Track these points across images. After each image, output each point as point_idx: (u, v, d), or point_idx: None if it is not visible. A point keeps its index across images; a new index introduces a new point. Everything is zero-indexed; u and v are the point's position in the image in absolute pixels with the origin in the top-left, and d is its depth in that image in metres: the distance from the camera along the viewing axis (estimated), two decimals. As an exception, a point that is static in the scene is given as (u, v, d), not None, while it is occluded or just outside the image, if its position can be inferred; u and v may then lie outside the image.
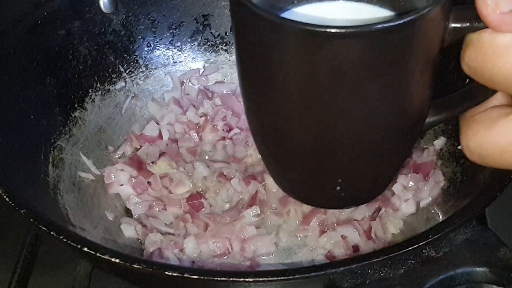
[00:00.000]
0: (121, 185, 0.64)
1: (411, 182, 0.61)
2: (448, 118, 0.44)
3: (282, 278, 0.44)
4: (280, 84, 0.39)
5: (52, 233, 0.47)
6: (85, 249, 0.46)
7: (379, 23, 0.36)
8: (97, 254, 0.45)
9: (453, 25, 0.39)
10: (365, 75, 0.38)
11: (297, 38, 0.37)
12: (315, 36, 0.36)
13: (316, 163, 0.43)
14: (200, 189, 0.64)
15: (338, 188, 0.44)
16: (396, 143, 0.43)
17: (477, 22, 0.38)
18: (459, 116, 0.42)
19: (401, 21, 0.36)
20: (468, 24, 0.39)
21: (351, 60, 0.37)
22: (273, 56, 0.38)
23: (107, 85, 0.69)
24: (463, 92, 0.43)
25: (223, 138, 0.68)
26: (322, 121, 0.40)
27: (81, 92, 0.67)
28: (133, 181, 0.64)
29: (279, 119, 0.42)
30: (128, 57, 0.71)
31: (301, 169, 0.45)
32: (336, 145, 0.42)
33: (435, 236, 0.45)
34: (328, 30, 0.35)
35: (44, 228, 0.47)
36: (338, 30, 0.35)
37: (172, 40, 0.72)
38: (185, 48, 0.73)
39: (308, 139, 0.42)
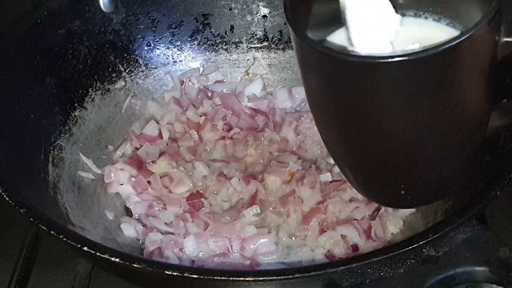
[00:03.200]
0: (121, 184, 0.64)
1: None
2: (509, 122, 0.45)
3: (282, 277, 0.44)
4: (339, 108, 0.42)
5: (52, 232, 0.47)
6: (85, 248, 0.46)
7: (420, 51, 0.36)
8: (97, 253, 0.45)
9: (505, 39, 0.39)
10: (413, 98, 0.39)
11: (345, 68, 0.39)
12: (359, 65, 0.38)
13: (379, 172, 0.45)
14: (200, 189, 0.64)
15: (403, 192, 0.45)
16: (456, 150, 0.43)
17: None
18: None
19: (442, 48, 0.36)
20: None
21: (396, 86, 0.38)
22: (330, 85, 0.41)
23: (107, 84, 0.69)
24: None
25: (223, 138, 0.68)
26: (376, 139, 0.42)
27: (81, 91, 0.67)
28: (133, 180, 0.64)
29: (342, 137, 0.45)
30: (128, 57, 0.71)
31: (368, 177, 0.47)
32: (393, 157, 0.43)
33: (435, 236, 0.45)
34: (369, 60, 0.38)
35: (44, 227, 0.47)
36: (378, 60, 0.37)
37: (172, 40, 0.72)
38: (185, 47, 0.73)
39: (367, 153, 0.44)
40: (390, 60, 0.37)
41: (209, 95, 0.72)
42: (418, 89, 0.38)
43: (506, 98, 0.45)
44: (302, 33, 0.40)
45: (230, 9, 0.73)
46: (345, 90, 0.40)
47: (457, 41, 0.36)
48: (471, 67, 0.39)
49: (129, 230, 0.61)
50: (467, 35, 0.37)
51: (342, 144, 0.45)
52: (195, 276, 0.44)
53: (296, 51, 0.42)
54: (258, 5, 0.73)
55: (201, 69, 0.74)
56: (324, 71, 0.40)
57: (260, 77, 0.74)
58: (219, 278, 0.44)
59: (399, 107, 0.40)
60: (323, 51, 0.39)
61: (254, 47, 0.74)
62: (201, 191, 0.64)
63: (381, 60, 0.37)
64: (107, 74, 0.70)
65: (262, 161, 0.66)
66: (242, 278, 0.44)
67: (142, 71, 0.72)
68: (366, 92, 0.39)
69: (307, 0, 0.44)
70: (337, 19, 0.44)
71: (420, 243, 0.44)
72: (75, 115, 0.66)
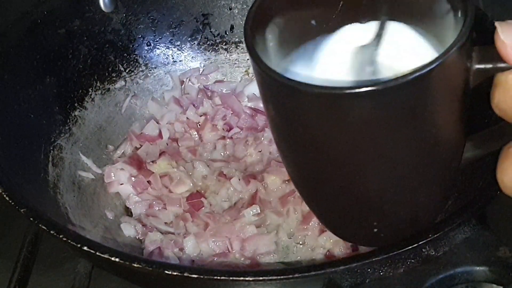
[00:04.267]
0: (121, 184, 0.64)
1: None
2: (487, 152, 0.43)
3: (281, 277, 0.44)
4: (303, 139, 0.40)
5: (52, 232, 0.47)
6: (85, 248, 0.46)
7: (388, 81, 0.35)
8: (97, 253, 0.45)
9: (477, 66, 0.37)
10: (382, 129, 0.37)
11: (309, 99, 0.37)
12: (325, 97, 0.36)
13: (350, 208, 0.44)
14: (200, 188, 0.64)
15: (375, 230, 0.44)
16: (430, 183, 0.42)
17: (501, 62, 0.36)
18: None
19: (412, 77, 0.35)
20: (491, 65, 0.37)
21: (364, 117, 0.36)
22: (293, 115, 0.39)
23: (107, 84, 0.69)
24: (501, 127, 0.41)
25: (223, 137, 0.68)
26: (345, 174, 0.40)
27: (81, 91, 0.67)
28: (133, 180, 0.64)
29: (308, 168, 0.43)
30: (128, 56, 0.71)
31: (338, 213, 0.45)
32: (365, 193, 0.42)
33: (435, 235, 0.45)
34: (335, 92, 0.35)
35: (44, 227, 0.47)
36: (345, 91, 0.35)
37: (172, 39, 0.73)
38: (185, 47, 0.73)
39: (337, 187, 0.42)
40: (355, 91, 0.35)
41: (209, 95, 0.72)
42: (387, 120, 0.36)
43: (479, 130, 0.43)
44: (263, 63, 0.38)
45: (230, 9, 0.73)
46: (310, 122, 0.38)
47: (427, 69, 0.35)
48: (443, 96, 0.37)
49: (129, 229, 0.61)
50: (437, 63, 0.35)
51: (308, 179, 0.44)
52: (195, 275, 0.44)
53: (257, 80, 0.40)
54: (258, 5, 0.73)
55: (201, 69, 0.74)
56: (288, 103, 0.38)
57: (260, 77, 0.74)
58: (219, 277, 0.44)
59: (367, 140, 0.38)
60: (285, 83, 0.36)
61: (254, 47, 0.74)
62: (201, 191, 0.64)
63: (347, 91, 0.35)
64: (107, 73, 0.70)
65: (262, 161, 0.66)
66: (242, 278, 0.44)
67: (142, 70, 0.72)
68: (332, 125, 0.37)
69: (269, 22, 0.42)
70: (300, 38, 0.43)
71: (420, 243, 0.44)
72: (75, 115, 0.66)
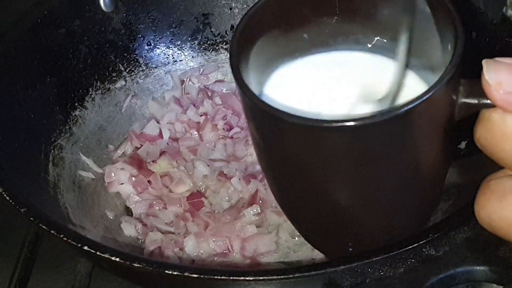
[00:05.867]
0: (122, 184, 0.64)
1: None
2: (470, 180, 0.43)
3: (282, 277, 0.44)
4: (281, 163, 0.40)
5: (52, 231, 0.47)
6: (85, 247, 0.46)
7: (369, 116, 0.34)
8: (97, 253, 0.45)
9: (463, 100, 0.36)
10: (361, 162, 0.37)
11: (289, 128, 0.36)
12: (305, 128, 0.35)
13: (326, 229, 0.44)
14: (200, 188, 0.64)
15: (351, 249, 0.44)
16: (407, 211, 0.42)
17: (486, 99, 0.35)
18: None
19: (394, 113, 0.34)
20: (477, 100, 0.36)
21: (343, 149, 0.36)
22: (272, 140, 0.39)
23: (107, 84, 0.69)
24: (483, 157, 0.40)
25: (224, 137, 0.68)
26: (322, 197, 0.40)
27: (81, 91, 0.67)
28: (134, 180, 0.64)
29: (285, 189, 0.43)
30: (128, 56, 0.71)
31: (315, 232, 0.46)
32: (341, 217, 0.42)
33: (435, 235, 0.45)
34: (315, 124, 0.35)
35: (44, 226, 0.47)
36: (322, 125, 0.35)
37: (172, 39, 0.72)
38: (185, 47, 0.73)
39: (314, 210, 0.42)
40: (334, 124, 0.34)
41: (210, 95, 0.72)
42: (366, 152, 0.36)
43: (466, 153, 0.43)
44: (246, 87, 0.37)
45: (231, 9, 0.73)
46: (287, 148, 0.38)
47: (411, 105, 0.34)
48: (426, 130, 0.36)
49: (130, 229, 0.61)
50: (422, 99, 0.34)
51: (286, 198, 0.44)
52: (196, 275, 0.44)
53: (240, 100, 0.39)
54: (259, 5, 0.73)
55: (202, 69, 0.74)
56: (269, 129, 0.38)
57: (260, 77, 0.74)
58: (219, 277, 0.44)
59: (345, 169, 0.37)
60: (267, 110, 0.36)
61: (254, 47, 0.74)
62: (201, 191, 0.64)
63: (325, 125, 0.35)
64: (107, 73, 0.70)
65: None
66: (242, 278, 0.44)
67: (143, 70, 0.72)
68: (310, 153, 0.37)
69: (255, 40, 0.41)
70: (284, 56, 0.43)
71: (420, 242, 0.44)
72: (75, 115, 0.66)
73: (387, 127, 0.35)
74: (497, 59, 0.35)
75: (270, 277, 0.44)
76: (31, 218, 0.48)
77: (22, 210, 0.48)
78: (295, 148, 0.38)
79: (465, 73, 0.37)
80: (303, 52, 0.44)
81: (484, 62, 0.35)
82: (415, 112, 0.34)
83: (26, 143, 0.59)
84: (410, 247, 0.44)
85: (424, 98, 0.34)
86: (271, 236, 0.59)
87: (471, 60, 0.55)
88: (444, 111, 0.36)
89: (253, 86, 0.40)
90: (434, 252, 0.46)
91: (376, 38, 0.43)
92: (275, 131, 0.37)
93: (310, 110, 0.40)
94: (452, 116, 0.37)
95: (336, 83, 0.42)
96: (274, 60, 0.44)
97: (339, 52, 0.44)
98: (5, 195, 0.49)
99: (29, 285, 0.59)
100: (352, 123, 0.34)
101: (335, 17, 0.43)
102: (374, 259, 0.44)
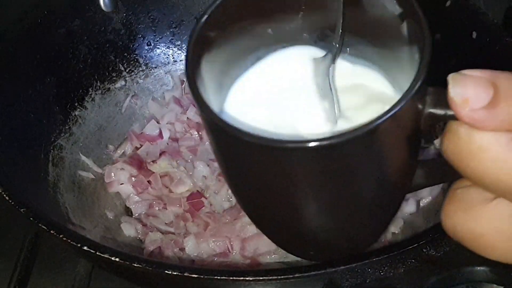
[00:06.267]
0: (121, 184, 0.64)
1: (411, 181, 0.61)
2: (437, 183, 0.42)
3: (282, 277, 0.44)
4: (241, 179, 0.40)
5: (52, 232, 0.47)
6: (85, 248, 0.46)
7: (329, 137, 0.33)
8: (97, 253, 0.45)
9: (430, 110, 0.35)
10: (325, 180, 0.36)
11: (247, 147, 0.35)
12: (263, 148, 0.34)
13: (287, 240, 0.44)
14: (200, 188, 0.64)
15: (312, 253, 0.44)
16: (372, 219, 0.41)
17: (452, 111, 0.33)
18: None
19: (355, 134, 0.33)
20: (443, 112, 0.34)
21: (303, 169, 0.35)
22: (232, 157, 0.38)
23: (107, 84, 0.69)
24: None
25: (223, 137, 0.68)
26: (283, 210, 0.40)
27: (81, 91, 0.67)
28: (133, 180, 0.64)
29: (245, 201, 0.43)
30: (128, 56, 0.71)
31: (279, 240, 0.45)
32: (302, 230, 0.41)
33: (435, 235, 0.45)
34: (274, 145, 0.34)
35: (44, 227, 0.47)
36: (283, 145, 0.33)
37: (172, 39, 0.72)
38: (185, 46, 0.73)
39: (276, 222, 0.42)
40: (296, 145, 0.33)
41: (210, 95, 0.72)
42: (330, 172, 0.35)
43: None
44: (204, 102, 0.36)
45: (231, 9, 0.73)
46: (247, 166, 0.37)
47: (374, 124, 0.33)
48: (390, 146, 0.35)
49: (129, 229, 0.61)
50: (386, 117, 0.33)
51: (246, 207, 0.44)
52: (195, 275, 0.43)
53: (199, 114, 0.38)
54: (259, 4, 0.73)
55: (202, 69, 0.74)
56: (228, 146, 0.37)
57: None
58: (219, 277, 0.44)
59: (307, 189, 0.37)
60: (225, 129, 0.35)
61: (254, 46, 0.74)
62: (201, 191, 0.64)
63: (287, 145, 0.33)
64: (107, 73, 0.69)
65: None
66: (242, 278, 0.44)
67: (143, 70, 0.72)
68: (269, 172, 0.36)
69: (213, 44, 0.39)
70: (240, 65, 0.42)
71: (421, 242, 0.44)
72: (75, 115, 0.66)
73: (350, 147, 0.34)
74: (464, 72, 0.33)
75: (270, 277, 0.44)
76: (31, 218, 0.48)
77: (21, 210, 0.48)
78: (255, 167, 0.37)
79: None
80: (267, 50, 0.43)
81: (449, 77, 0.33)
82: (379, 130, 0.33)
83: (25, 143, 0.59)
84: (410, 247, 0.44)
85: (387, 116, 0.33)
86: (271, 236, 0.59)
87: (471, 60, 0.55)
88: (409, 125, 0.35)
89: (212, 96, 0.39)
90: (434, 253, 0.46)
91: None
92: (235, 150, 0.37)
93: (274, 120, 0.40)
94: (418, 127, 0.36)
95: (299, 86, 0.42)
96: (236, 63, 0.42)
97: (302, 48, 0.43)
98: (4, 195, 0.49)
99: (28, 285, 0.59)
100: (314, 144, 0.33)
101: (301, 13, 0.41)
102: (374, 259, 0.44)
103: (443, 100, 0.34)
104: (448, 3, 0.60)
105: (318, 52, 0.42)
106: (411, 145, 0.37)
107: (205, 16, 0.38)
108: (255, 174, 0.38)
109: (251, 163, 0.37)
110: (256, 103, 0.41)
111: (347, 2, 0.39)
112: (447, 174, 0.36)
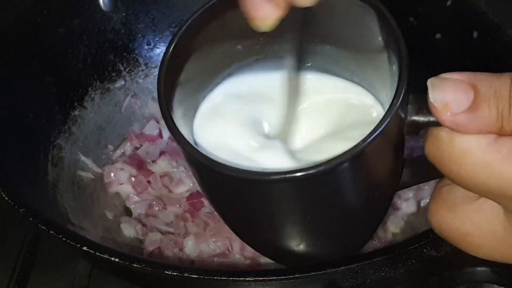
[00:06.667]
0: (121, 184, 0.64)
1: (411, 181, 0.61)
2: (425, 181, 0.43)
3: (282, 277, 0.43)
4: (221, 204, 0.40)
5: (51, 232, 0.47)
6: (85, 248, 0.45)
7: (309, 167, 0.32)
8: (97, 253, 0.45)
9: (413, 118, 0.35)
10: (304, 207, 0.36)
11: (225, 179, 0.35)
12: (241, 181, 0.34)
13: (277, 254, 0.45)
14: (200, 188, 0.64)
15: (303, 262, 0.45)
16: (359, 227, 0.42)
17: (433, 117, 0.33)
18: None
19: (337, 162, 0.32)
20: (425, 119, 0.34)
21: (284, 199, 0.35)
22: (210, 185, 0.39)
23: (107, 83, 0.69)
24: None
25: (223, 137, 0.68)
26: (266, 232, 0.40)
27: (80, 90, 0.67)
28: (133, 180, 0.64)
29: (227, 219, 0.44)
30: (128, 56, 0.71)
31: (266, 254, 0.47)
32: (290, 247, 0.42)
33: (436, 236, 0.44)
34: (253, 177, 0.34)
35: (43, 227, 0.47)
36: (263, 178, 0.33)
37: (172, 39, 0.72)
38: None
39: (262, 241, 0.43)
40: (277, 177, 0.33)
41: (209, 95, 0.72)
42: (311, 199, 0.35)
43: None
44: (181, 136, 0.36)
45: (231, 8, 0.73)
46: (225, 194, 0.38)
47: (362, 146, 0.33)
48: (375, 163, 0.35)
49: (129, 230, 0.60)
50: (374, 135, 0.33)
51: (227, 220, 0.44)
52: (195, 276, 0.43)
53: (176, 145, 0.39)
54: (259, 4, 0.72)
55: (201, 68, 0.74)
56: (209, 177, 0.37)
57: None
58: (219, 278, 0.44)
59: (288, 215, 0.37)
60: (199, 160, 0.35)
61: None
62: (201, 191, 0.64)
63: (266, 178, 0.33)
64: (107, 73, 0.69)
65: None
66: (242, 278, 0.43)
67: (142, 70, 0.72)
68: (251, 203, 0.36)
69: (183, 71, 0.40)
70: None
71: (421, 243, 0.44)
72: (74, 114, 0.66)
73: (334, 174, 0.33)
74: (444, 75, 0.33)
75: (270, 278, 0.43)
76: (30, 218, 0.48)
77: (21, 210, 0.48)
78: (238, 198, 0.37)
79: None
80: (239, 66, 0.43)
81: (429, 81, 0.33)
82: (366, 151, 0.33)
83: (25, 143, 0.59)
84: (411, 247, 0.44)
85: (373, 136, 0.33)
86: (271, 237, 0.59)
87: (472, 60, 0.55)
88: (394, 137, 0.35)
89: (182, 120, 0.39)
90: (435, 253, 0.46)
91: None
92: (214, 181, 0.37)
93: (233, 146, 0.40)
94: (402, 135, 0.36)
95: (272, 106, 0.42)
96: (207, 81, 0.42)
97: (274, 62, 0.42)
98: (4, 195, 0.49)
99: (28, 285, 0.59)
100: (296, 174, 0.33)
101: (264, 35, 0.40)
102: (374, 259, 0.44)
103: (424, 107, 0.34)
104: (448, 3, 0.60)
105: (290, 66, 0.42)
106: (397, 154, 0.37)
107: (173, 43, 0.38)
108: (237, 203, 0.38)
109: (232, 194, 0.37)
110: (216, 129, 0.41)
111: (323, 13, 0.39)
112: (433, 172, 0.36)
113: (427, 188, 0.60)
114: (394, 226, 0.59)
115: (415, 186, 0.60)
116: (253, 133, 0.40)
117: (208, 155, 0.35)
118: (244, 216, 0.40)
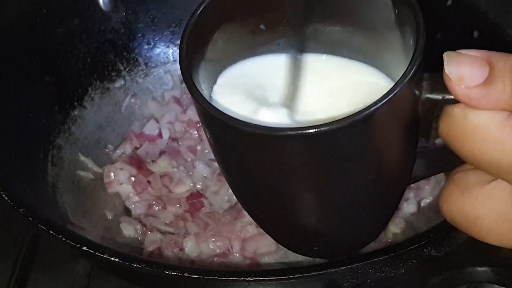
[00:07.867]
0: (121, 184, 0.64)
1: (412, 181, 0.61)
2: (437, 172, 0.42)
3: (282, 277, 0.43)
4: (238, 170, 0.39)
5: (51, 232, 0.47)
6: (84, 248, 0.45)
7: (325, 124, 0.32)
8: (96, 253, 0.45)
9: (427, 95, 0.35)
10: (321, 167, 0.36)
11: (244, 137, 0.35)
12: (260, 137, 0.34)
13: (289, 233, 0.43)
14: (200, 188, 0.64)
15: (316, 248, 0.44)
16: (371, 212, 0.41)
17: (449, 94, 0.33)
18: None
19: (352, 120, 0.32)
20: (440, 96, 0.34)
21: (300, 158, 0.35)
22: (228, 148, 0.38)
23: (107, 83, 0.69)
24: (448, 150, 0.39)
25: (223, 137, 0.68)
26: (283, 203, 0.39)
27: (80, 90, 0.67)
28: (133, 180, 0.64)
29: (244, 194, 0.43)
30: (127, 55, 0.71)
31: (279, 234, 0.45)
32: (303, 222, 0.41)
33: (436, 236, 0.44)
34: (270, 133, 0.33)
35: (43, 227, 0.47)
36: (278, 133, 0.33)
37: (172, 38, 0.72)
38: (185, 46, 0.73)
39: (275, 215, 0.42)
40: (292, 133, 0.33)
41: (209, 94, 0.72)
42: (328, 160, 0.35)
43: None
44: (199, 92, 0.36)
45: (231, 8, 0.73)
46: (244, 156, 0.37)
47: (371, 110, 0.32)
48: (388, 133, 0.35)
49: (129, 229, 0.60)
50: (382, 102, 0.32)
51: (246, 201, 0.43)
52: (195, 276, 0.43)
53: (194, 105, 0.38)
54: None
55: (202, 68, 0.74)
56: (224, 137, 0.37)
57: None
58: (219, 278, 0.44)
59: (304, 178, 0.36)
60: (214, 116, 0.35)
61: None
62: (201, 191, 0.64)
63: (282, 133, 0.33)
64: (106, 73, 0.69)
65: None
66: (242, 278, 0.43)
67: (142, 70, 0.72)
68: (267, 161, 0.36)
69: (206, 39, 0.40)
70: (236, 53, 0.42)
71: (422, 243, 0.44)
72: (74, 114, 0.66)
73: (347, 133, 0.33)
74: (460, 51, 0.33)
75: (270, 278, 0.43)
76: (30, 218, 0.48)
77: (20, 210, 0.48)
78: (252, 157, 0.37)
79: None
80: (260, 47, 0.43)
81: (445, 54, 0.33)
82: (376, 116, 0.33)
83: (25, 142, 0.59)
84: (411, 247, 0.44)
85: (384, 101, 0.33)
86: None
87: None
88: (407, 111, 0.35)
89: (205, 87, 0.39)
90: (435, 253, 0.45)
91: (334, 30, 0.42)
92: (231, 140, 0.36)
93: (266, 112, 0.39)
94: (416, 113, 0.36)
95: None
96: (229, 58, 0.42)
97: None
98: (3, 195, 0.49)
99: (28, 285, 0.59)
100: (310, 131, 0.33)
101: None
102: (375, 259, 0.44)
103: (440, 85, 0.34)
104: (449, 2, 0.60)
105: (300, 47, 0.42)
106: (410, 133, 0.37)
107: (198, 11, 0.39)
108: (252, 164, 0.37)
109: (249, 153, 0.36)
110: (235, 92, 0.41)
111: None
112: (447, 163, 0.36)
113: (427, 188, 0.60)
114: (394, 226, 0.59)
115: (415, 186, 0.60)
116: (260, 104, 0.40)
117: (223, 111, 0.35)
118: (255, 180, 0.39)
